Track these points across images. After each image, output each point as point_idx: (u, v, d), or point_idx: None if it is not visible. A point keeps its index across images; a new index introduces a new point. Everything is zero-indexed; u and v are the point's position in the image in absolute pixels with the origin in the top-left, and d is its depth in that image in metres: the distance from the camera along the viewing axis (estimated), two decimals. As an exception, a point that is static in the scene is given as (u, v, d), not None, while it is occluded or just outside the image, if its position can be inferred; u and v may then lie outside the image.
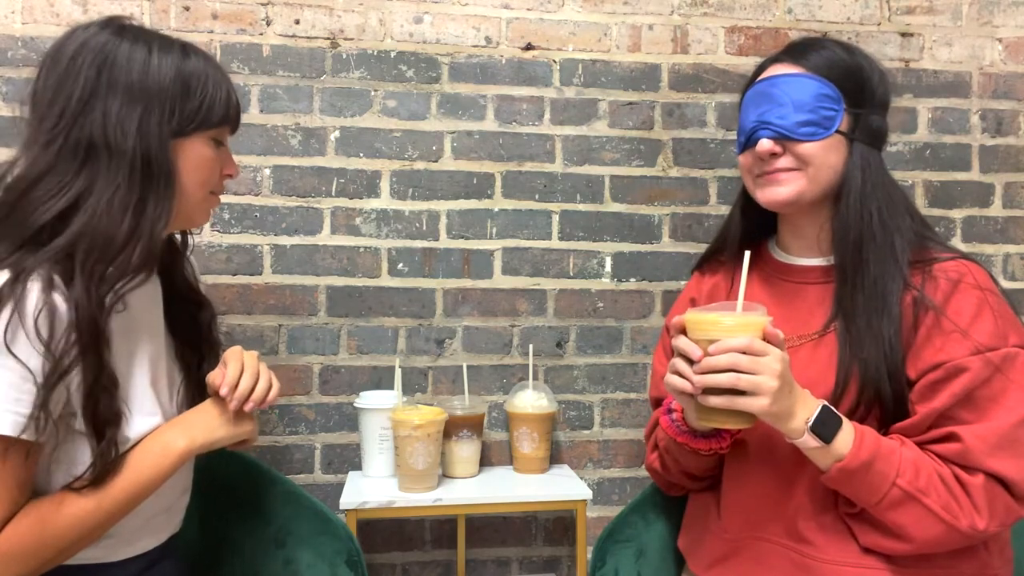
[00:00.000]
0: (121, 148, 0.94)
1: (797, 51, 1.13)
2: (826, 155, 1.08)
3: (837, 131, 1.08)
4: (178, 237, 1.17)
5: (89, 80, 0.95)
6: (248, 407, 1.03)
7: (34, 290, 0.88)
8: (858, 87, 1.10)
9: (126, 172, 0.94)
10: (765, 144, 1.09)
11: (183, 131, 0.99)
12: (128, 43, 0.97)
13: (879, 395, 1.03)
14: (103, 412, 0.93)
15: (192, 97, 0.99)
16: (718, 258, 1.29)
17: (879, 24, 1.73)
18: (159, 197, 0.96)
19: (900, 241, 1.07)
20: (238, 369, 1.03)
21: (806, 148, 1.08)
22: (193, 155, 1.01)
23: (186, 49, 1.02)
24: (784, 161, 1.10)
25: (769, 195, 1.12)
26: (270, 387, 1.05)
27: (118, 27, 1.00)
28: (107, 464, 0.94)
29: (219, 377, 1.02)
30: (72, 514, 0.92)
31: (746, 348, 0.95)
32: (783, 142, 1.09)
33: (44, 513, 0.92)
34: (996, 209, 1.76)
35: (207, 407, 1.04)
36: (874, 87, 1.11)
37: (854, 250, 1.07)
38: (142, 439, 1.00)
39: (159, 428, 1.01)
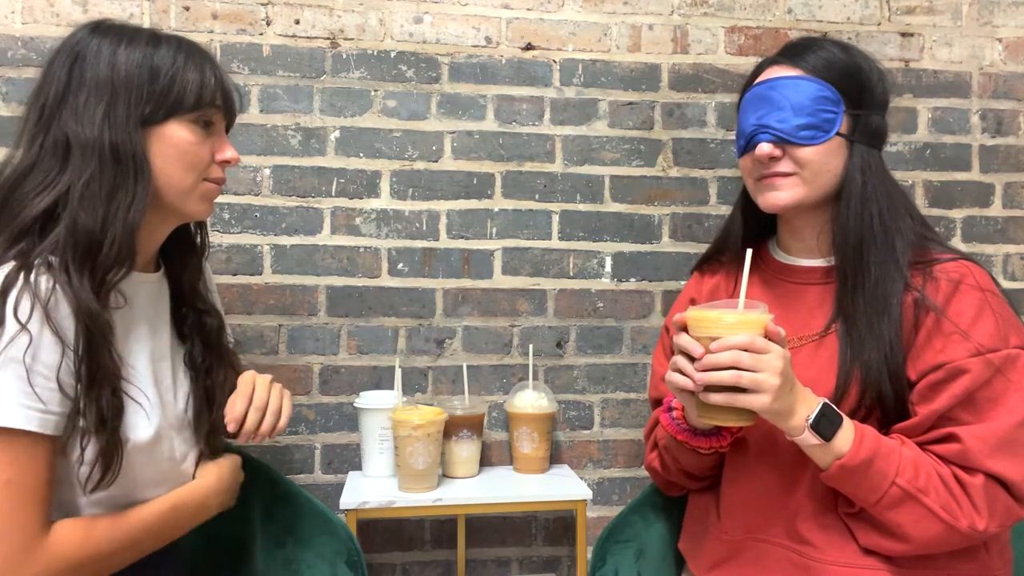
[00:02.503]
0: (90, 141, 0.95)
1: (795, 52, 1.13)
2: (825, 158, 1.08)
3: (837, 133, 1.08)
4: (198, 239, 1.17)
5: (62, 79, 0.97)
6: (255, 441, 1.08)
7: (42, 279, 0.90)
8: (857, 88, 1.10)
9: (97, 164, 0.95)
10: (765, 148, 1.09)
11: (154, 118, 0.98)
12: (98, 39, 0.99)
13: (880, 397, 1.03)
14: (107, 404, 0.93)
15: (159, 83, 0.98)
16: (718, 259, 1.29)
17: (879, 24, 1.73)
18: (130, 186, 0.96)
19: (901, 242, 1.07)
20: (245, 405, 1.07)
21: (806, 152, 1.08)
22: (170, 141, 1.00)
23: (157, 38, 1.01)
24: (784, 165, 1.09)
25: (769, 199, 1.12)
26: (278, 418, 1.10)
27: (95, 26, 1.01)
28: (111, 460, 0.94)
29: (229, 411, 1.07)
30: (112, 538, 0.96)
31: (748, 345, 0.95)
32: (783, 146, 1.09)
33: (91, 530, 0.95)
34: (996, 209, 1.76)
35: (235, 468, 1.13)
36: (873, 87, 1.11)
37: (855, 252, 1.07)
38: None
39: (201, 486, 1.07)
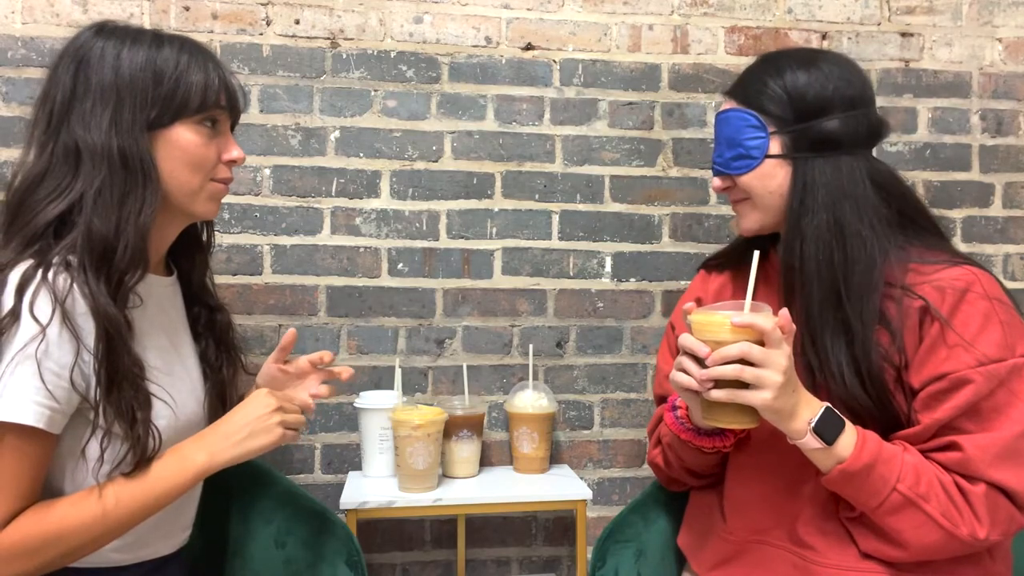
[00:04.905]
0: (99, 147, 0.95)
1: (735, 85, 1.15)
2: (762, 182, 1.09)
3: (767, 156, 1.08)
4: (204, 236, 1.17)
5: (67, 84, 0.97)
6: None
7: (60, 278, 0.91)
8: (784, 107, 1.08)
9: (107, 171, 0.95)
10: (716, 182, 1.16)
11: (160, 122, 0.98)
12: (102, 42, 0.98)
13: (860, 409, 1.03)
14: (127, 403, 0.93)
15: (164, 86, 0.98)
16: (726, 258, 1.29)
17: (879, 24, 1.72)
18: (139, 191, 0.96)
19: (872, 244, 1.04)
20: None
21: (743, 180, 1.11)
22: (177, 144, 1.00)
23: (160, 40, 1.01)
24: (736, 193, 1.14)
25: (738, 224, 1.17)
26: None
27: (98, 28, 1.00)
28: (145, 446, 0.95)
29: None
30: (80, 517, 0.92)
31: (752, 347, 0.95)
32: (727, 177, 1.13)
33: (53, 513, 0.92)
34: (996, 209, 1.76)
35: (230, 421, 1.02)
36: (809, 101, 1.07)
37: (800, 269, 1.06)
38: (163, 452, 1.00)
39: (181, 442, 1.01)
